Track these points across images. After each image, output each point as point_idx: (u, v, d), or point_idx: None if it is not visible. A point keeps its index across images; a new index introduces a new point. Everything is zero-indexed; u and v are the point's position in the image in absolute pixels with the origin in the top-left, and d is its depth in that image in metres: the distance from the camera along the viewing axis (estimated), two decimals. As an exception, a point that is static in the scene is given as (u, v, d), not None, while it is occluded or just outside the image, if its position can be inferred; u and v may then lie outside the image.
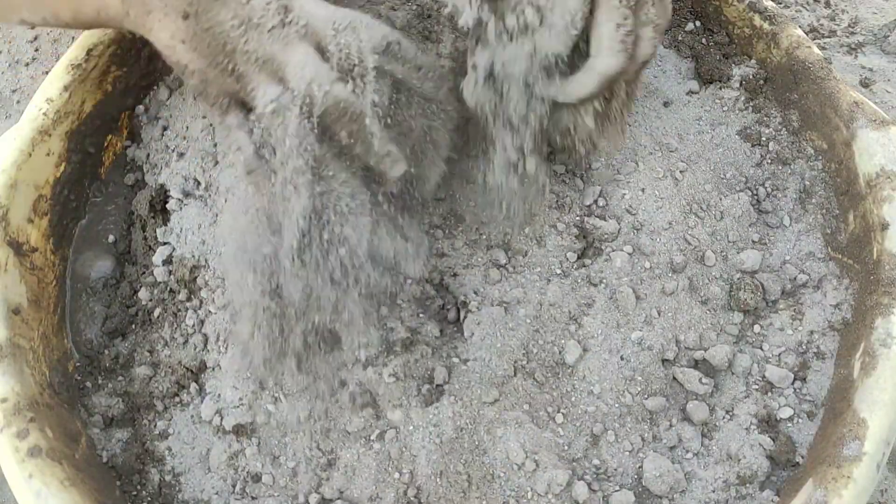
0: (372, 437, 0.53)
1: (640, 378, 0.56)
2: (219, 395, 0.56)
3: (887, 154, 0.58)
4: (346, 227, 0.49)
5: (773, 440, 0.55)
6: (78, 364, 0.58)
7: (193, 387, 0.57)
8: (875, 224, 0.57)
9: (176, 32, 0.50)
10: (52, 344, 0.57)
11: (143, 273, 0.61)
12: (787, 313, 0.60)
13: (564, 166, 0.62)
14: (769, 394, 0.57)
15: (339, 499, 0.52)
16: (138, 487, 0.54)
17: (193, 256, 0.59)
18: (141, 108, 0.67)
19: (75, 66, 0.63)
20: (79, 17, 0.56)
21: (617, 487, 0.52)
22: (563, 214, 0.60)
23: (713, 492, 0.53)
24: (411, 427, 0.53)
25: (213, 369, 0.57)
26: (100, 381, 0.58)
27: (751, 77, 0.69)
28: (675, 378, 0.57)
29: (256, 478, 0.54)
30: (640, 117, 0.67)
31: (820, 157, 0.65)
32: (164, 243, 0.61)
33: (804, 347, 0.58)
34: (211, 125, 0.62)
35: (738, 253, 0.61)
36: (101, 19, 0.55)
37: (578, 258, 0.60)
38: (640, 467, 0.54)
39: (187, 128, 0.64)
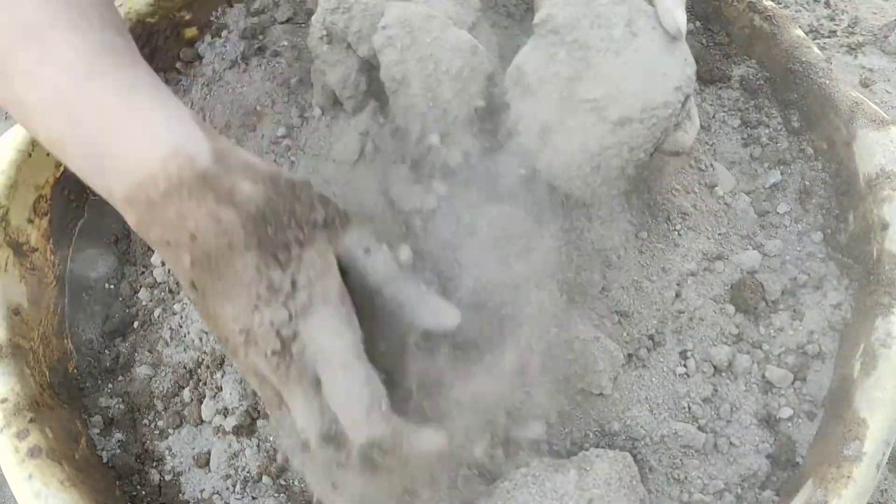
0: None
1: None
2: (219, 395, 0.56)
3: (887, 154, 0.58)
4: None
5: (773, 440, 0.55)
6: (78, 364, 0.58)
7: (193, 387, 0.57)
8: (875, 224, 0.57)
9: (189, 294, 0.42)
10: (52, 344, 0.57)
11: (143, 273, 0.61)
12: (787, 313, 0.60)
13: None
14: (769, 394, 0.57)
15: None
16: (138, 487, 0.54)
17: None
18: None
19: (75, 66, 0.63)
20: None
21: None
22: None
23: (713, 491, 0.53)
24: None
25: (214, 369, 0.57)
26: (100, 382, 0.58)
27: (751, 77, 0.69)
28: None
29: (257, 478, 0.54)
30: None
31: (820, 157, 0.65)
32: (164, 243, 0.61)
33: (804, 347, 0.58)
34: None
35: (738, 253, 0.61)
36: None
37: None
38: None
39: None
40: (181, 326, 0.58)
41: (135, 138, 0.40)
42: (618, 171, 0.49)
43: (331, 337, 0.40)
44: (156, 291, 0.60)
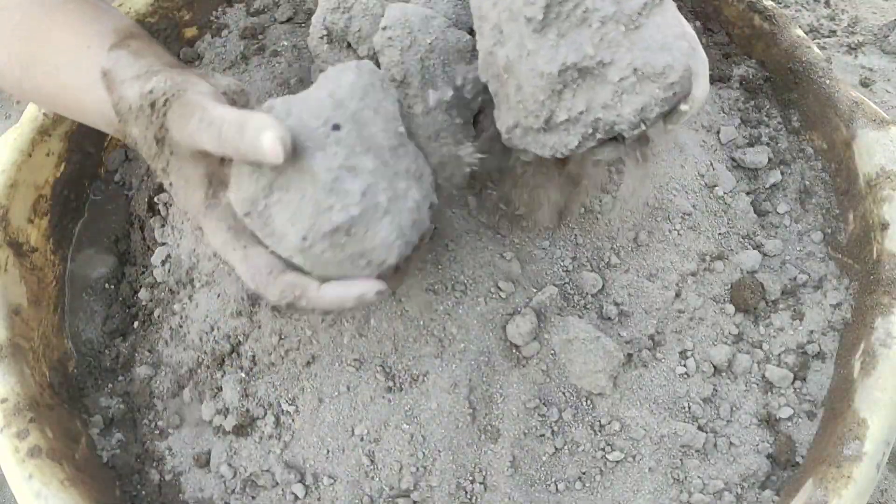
0: None
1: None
2: (219, 395, 0.56)
3: (887, 154, 0.58)
4: None
5: (773, 440, 0.55)
6: (78, 364, 0.58)
7: (193, 386, 0.57)
8: (875, 224, 0.57)
9: None
10: (52, 344, 0.57)
11: (143, 273, 0.61)
12: (787, 313, 0.60)
13: None
14: (769, 394, 0.57)
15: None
16: (138, 487, 0.54)
17: (189, 258, 0.59)
18: (141, 108, 0.67)
19: (75, 66, 0.63)
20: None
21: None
22: None
23: (713, 491, 0.53)
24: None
25: (214, 369, 0.57)
26: (100, 381, 0.58)
27: (751, 77, 0.69)
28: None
29: (256, 477, 0.54)
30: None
31: (820, 157, 0.65)
32: (163, 243, 0.61)
33: (804, 347, 0.58)
34: None
35: (738, 253, 0.61)
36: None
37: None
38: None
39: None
40: (181, 326, 0.58)
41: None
42: None
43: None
44: (156, 291, 0.60)
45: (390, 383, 0.54)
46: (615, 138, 0.48)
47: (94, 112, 0.47)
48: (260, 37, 0.69)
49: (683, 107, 0.46)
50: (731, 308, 0.59)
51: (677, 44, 0.44)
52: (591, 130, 0.47)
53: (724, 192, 0.63)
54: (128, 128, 0.45)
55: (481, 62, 0.49)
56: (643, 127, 0.46)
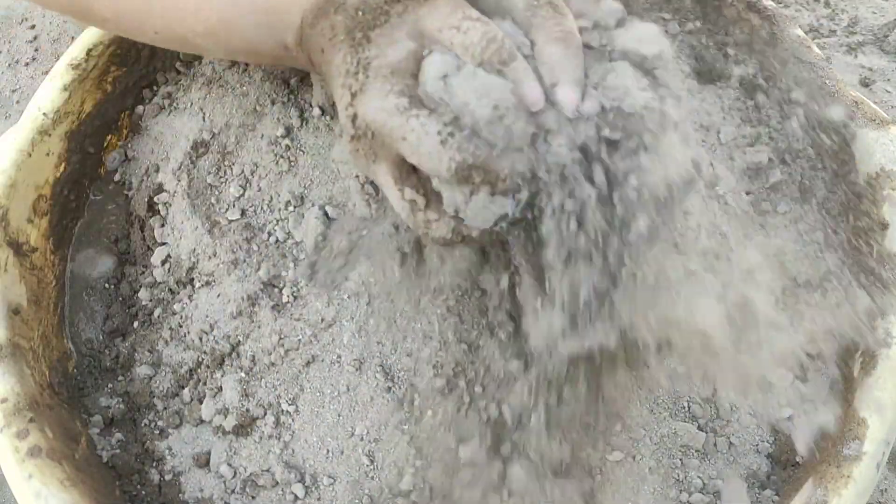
0: None
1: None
2: (219, 395, 0.56)
3: (887, 154, 0.58)
4: None
5: (773, 440, 0.55)
6: (78, 364, 0.58)
7: (193, 386, 0.57)
8: (875, 224, 0.57)
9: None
10: (52, 344, 0.57)
11: (143, 273, 0.61)
12: (787, 313, 0.60)
13: None
14: (769, 393, 0.57)
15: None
16: (138, 487, 0.54)
17: (189, 258, 0.59)
18: (141, 108, 0.67)
19: (75, 66, 0.63)
20: (231, 46, 0.52)
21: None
22: None
23: (713, 491, 0.53)
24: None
25: (214, 369, 0.57)
26: (100, 381, 0.58)
27: (751, 77, 0.69)
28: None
29: (256, 477, 0.54)
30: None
31: (820, 157, 0.65)
32: (163, 243, 0.61)
33: (804, 347, 0.58)
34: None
35: (738, 253, 0.61)
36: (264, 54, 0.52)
37: None
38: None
39: (186, 127, 0.64)
40: (181, 326, 0.58)
41: None
42: None
43: (375, 112, 0.42)
44: (156, 291, 0.60)
45: (390, 383, 0.54)
46: None
47: None
48: (260, 37, 0.69)
49: None
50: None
51: None
52: None
53: (724, 192, 0.63)
54: None
55: None
56: None
